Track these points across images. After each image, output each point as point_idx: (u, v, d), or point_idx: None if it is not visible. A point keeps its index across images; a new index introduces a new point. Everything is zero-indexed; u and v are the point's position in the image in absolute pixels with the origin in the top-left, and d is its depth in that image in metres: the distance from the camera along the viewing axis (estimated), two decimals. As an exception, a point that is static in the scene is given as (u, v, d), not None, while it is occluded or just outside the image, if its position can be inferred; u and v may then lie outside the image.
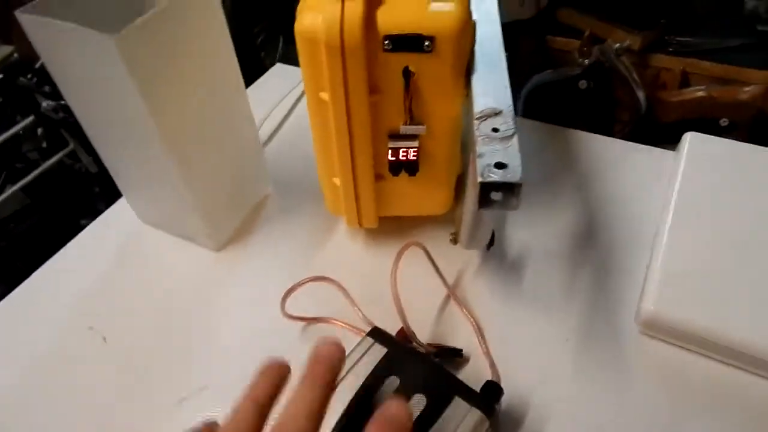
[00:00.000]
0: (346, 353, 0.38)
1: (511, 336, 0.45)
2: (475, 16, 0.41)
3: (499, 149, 0.34)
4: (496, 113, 0.37)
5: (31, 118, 1.34)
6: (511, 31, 0.46)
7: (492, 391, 0.38)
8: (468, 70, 0.41)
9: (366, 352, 0.38)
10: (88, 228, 0.59)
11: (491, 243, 0.46)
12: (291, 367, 0.30)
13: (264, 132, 0.68)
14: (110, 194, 0.59)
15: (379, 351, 0.38)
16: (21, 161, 1.42)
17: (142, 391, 0.44)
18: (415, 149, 0.44)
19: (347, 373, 0.37)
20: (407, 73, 0.40)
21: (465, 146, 0.50)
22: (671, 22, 0.74)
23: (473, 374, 0.42)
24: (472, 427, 0.33)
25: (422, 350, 0.42)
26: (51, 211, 1.49)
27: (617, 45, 0.67)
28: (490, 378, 0.40)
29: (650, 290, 0.43)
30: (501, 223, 0.54)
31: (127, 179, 0.55)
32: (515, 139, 0.35)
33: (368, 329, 0.42)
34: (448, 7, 0.38)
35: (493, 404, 0.36)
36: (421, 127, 0.43)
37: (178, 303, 0.51)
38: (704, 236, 0.47)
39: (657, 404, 0.41)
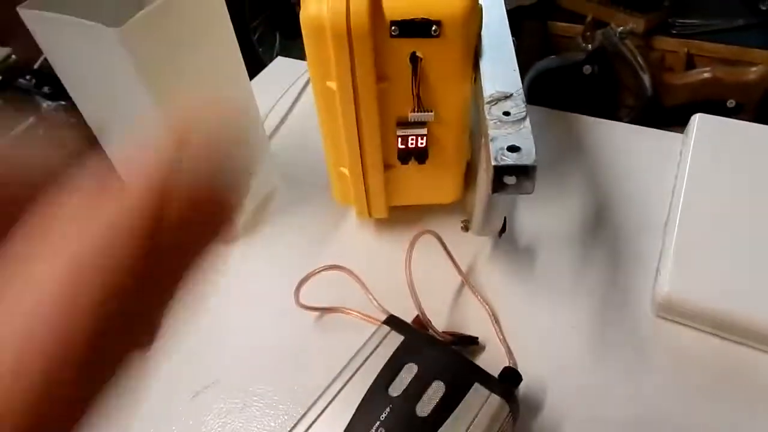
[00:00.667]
0: (363, 342, 0.38)
1: (525, 322, 0.45)
2: (480, 0, 0.41)
3: (511, 132, 0.34)
4: (506, 96, 0.37)
5: (31, 120, 1.34)
6: (513, 17, 0.46)
7: (511, 377, 0.38)
8: (476, 54, 0.41)
9: (382, 340, 0.37)
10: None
11: (503, 230, 0.46)
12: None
13: (268, 125, 0.68)
14: None
15: (395, 338, 0.37)
16: (23, 163, 1.42)
17: (154, 387, 0.44)
18: (424, 136, 0.44)
19: (364, 361, 0.36)
20: (415, 59, 0.40)
21: (473, 132, 0.49)
22: (674, 4, 0.73)
23: (490, 361, 0.41)
24: (492, 414, 0.33)
25: (438, 338, 0.41)
26: (54, 213, 1.49)
27: (621, 29, 0.66)
28: (507, 365, 0.40)
29: (665, 272, 0.43)
30: (511, 209, 0.54)
31: (133, 176, 0.54)
32: (527, 122, 0.35)
33: (384, 318, 0.42)
34: (455, -10, 0.38)
35: (512, 390, 0.36)
36: (429, 113, 0.43)
37: (187, 297, 0.50)
38: (717, 217, 0.46)
39: (675, 388, 0.40)
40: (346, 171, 0.47)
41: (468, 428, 0.33)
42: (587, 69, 0.69)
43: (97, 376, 0.15)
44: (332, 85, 0.41)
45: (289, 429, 0.34)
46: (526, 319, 0.45)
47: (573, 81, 0.70)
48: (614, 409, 0.40)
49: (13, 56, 1.35)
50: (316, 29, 0.38)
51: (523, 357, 0.42)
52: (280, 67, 0.79)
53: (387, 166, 0.47)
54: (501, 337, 0.44)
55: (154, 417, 0.42)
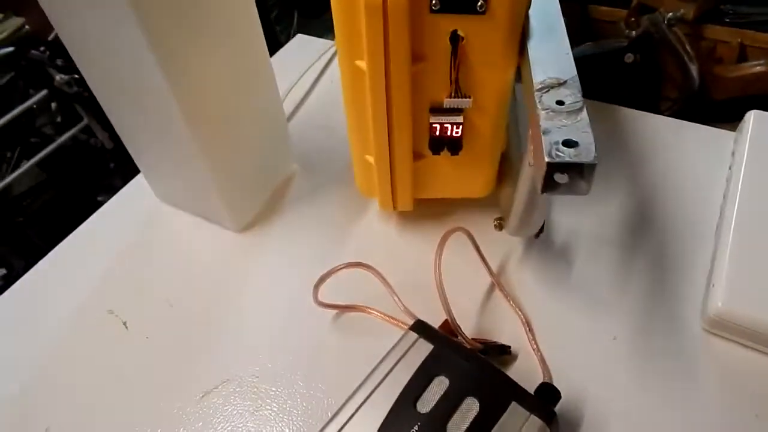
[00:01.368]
0: (386, 347, 0.35)
1: (561, 331, 0.42)
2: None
3: (566, 124, 0.30)
4: (560, 83, 0.33)
5: (44, 92, 1.32)
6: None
7: (549, 394, 0.34)
8: (522, 35, 0.37)
9: (410, 348, 0.34)
10: (104, 207, 0.56)
11: (541, 230, 0.42)
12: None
13: (287, 106, 0.64)
14: (126, 170, 0.55)
15: (424, 347, 0.34)
16: (36, 136, 1.40)
17: (164, 384, 0.41)
18: (460, 125, 0.40)
19: (390, 371, 0.33)
20: (455, 38, 0.36)
21: (509, 123, 0.45)
22: (728, -11, 0.68)
23: (523, 373, 0.38)
24: (530, 437, 0.30)
25: (468, 346, 0.38)
26: (67, 187, 1.47)
27: (669, 14, 0.61)
28: (541, 377, 0.37)
29: (719, 285, 0.39)
30: (549, 208, 0.50)
31: (144, 156, 0.51)
32: (584, 113, 0.31)
33: (407, 321, 0.39)
34: (506, -39, 0.33)
35: (552, 409, 0.32)
36: (467, 99, 0.39)
37: (199, 288, 0.48)
38: (777, 224, 0.42)
39: (725, 410, 0.37)
40: (371, 159, 0.44)
41: (504, 453, 0.29)
42: (629, 57, 0.64)
43: None
44: (362, 64, 0.37)
45: (305, 443, 0.31)
46: (561, 327, 0.42)
47: (613, 69, 0.65)
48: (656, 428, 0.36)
49: (27, 27, 1.32)
50: (346, 1, 0.34)
51: (559, 369, 0.39)
52: (300, 45, 0.75)
53: (417, 156, 0.43)
54: (535, 346, 0.40)
55: (161, 417, 0.39)
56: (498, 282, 0.44)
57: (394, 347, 0.35)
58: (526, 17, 0.37)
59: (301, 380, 0.41)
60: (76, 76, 1.33)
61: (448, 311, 0.38)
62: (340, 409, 0.32)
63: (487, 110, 0.40)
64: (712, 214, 0.48)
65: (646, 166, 0.53)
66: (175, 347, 0.44)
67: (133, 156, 0.51)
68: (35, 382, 0.42)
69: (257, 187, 0.54)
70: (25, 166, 1.29)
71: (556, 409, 0.35)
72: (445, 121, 0.40)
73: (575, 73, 0.33)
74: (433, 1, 0.33)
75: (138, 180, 0.57)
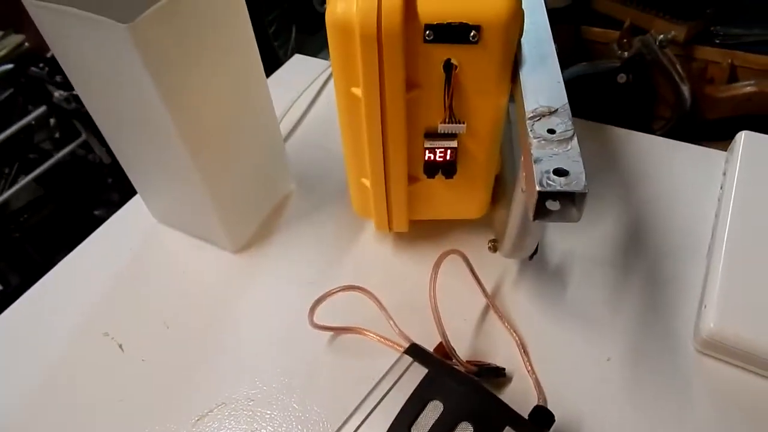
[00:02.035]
0: (381, 371, 0.35)
1: (555, 352, 0.42)
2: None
3: (557, 153, 0.31)
4: (551, 112, 0.33)
5: (43, 108, 1.32)
6: (546, 19, 0.43)
7: (543, 417, 0.34)
8: (515, 63, 0.38)
9: (405, 372, 0.34)
10: (101, 228, 0.56)
11: (535, 252, 0.42)
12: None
13: (284, 126, 0.65)
14: (124, 185, 0.56)
15: (419, 371, 0.34)
16: (34, 152, 1.40)
17: (159, 407, 0.41)
18: (454, 149, 0.41)
19: (386, 395, 0.33)
20: (449, 67, 0.36)
21: (503, 145, 0.46)
22: (718, 12, 0.69)
23: (518, 396, 0.38)
24: (524, 462, 0.30)
25: (462, 369, 0.38)
26: (64, 202, 1.47)
27: (661, 36, 0.62)
28: (536, 400, 0.37)
29: (711, 306, 0.39)
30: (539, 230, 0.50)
31: (141, 176, 0.52)
32: (575, 142, 0.31)
33: (402, 342, 0.39)
34: (497, -7, 0.34)
35: (545, 434, 0.33)
36: (461, 125, 0.39)
37: (195, 309, 0.48)
38: (766, 246, 0.43)
39: (718, 431, 0.37)
40: (367, 183, 0.44)
41: (498, 479, 0.29)
42: (622, 77, 0.65)
43: None
44: (357, 91, 0.38)
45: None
46: (556, 348, 0.42)
47: (606, 89, 0.66)
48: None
49: (26, 44, 1.33)
50: (343, 29, 0.35)
51: (554, 392, 0.39)
52: (298, 65, 0.76)
53: (411, 179, 0.43)
54: (529, 368, 0.40)
55: (155, 440, 0.39)
56: (492, 303, 0.44)
57: (389, 371, 0.35)
58: (519, 45, 0.38)
59: (297, 403, 0.41)
60: (75, 92, 1.35)
61: (443, 334, 0.38)
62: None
63: (481, 135, 0.40)
64: (704, 234, 0.48)
65: (638, 185, 0.54)
66: (171, 370, 0.44)
67: (130, 177, 0.52)
68: (29, 404, 0.42)
69: (255, 208, 0.54)
70: (23, 181, 1.30)
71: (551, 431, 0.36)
72: (440, 146, 0.41)
73: (566, 101, 0.34)
74: (427, 32, 0.34)
75: (135, 200, 0.57)
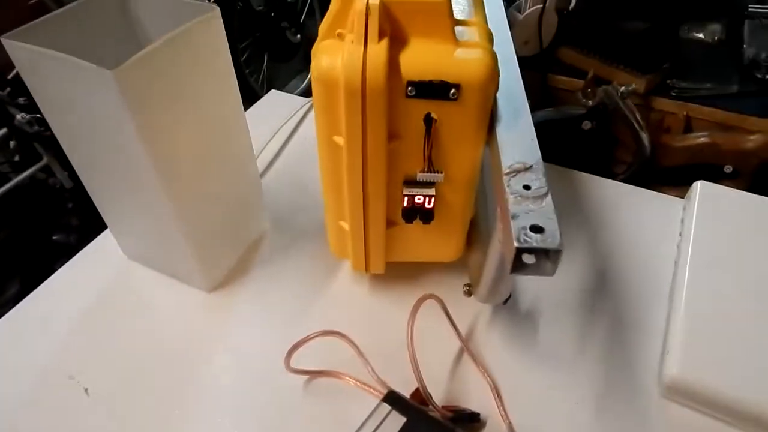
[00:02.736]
0: (359, 417, 0.36)
1: (528, 396, 0.43)
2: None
3: (533, 209, 0.32)
4: (526, 168, 0.35)
5: (3, 131, 1.28)
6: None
7: (516, 465, 0.35)
8: (492, 116, 0.40)
9: (383, 420, 0.35)
10: (68, 263, 0.54)
11: (508, 297, 0.44)
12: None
13: (260, 162, 0.65)
14: (84, 210, 0.55)
15: (397, 420, 0.35)
16: (-10, 175, 1.35)
17: (127, 454, 0.40)
18: (432, 197, 0.42)
19: (362, 445, 0.34)
20: (429, 120, 0.38)
21: (477, 191, 0.48)
22: (673, 67, 0.74)
23: (493, 442, 0.39)
24: None
25: (438, 415, 0.39)
26: (22, 226, 1.41)
27: (623, 88, 0.66)
28: (510, 447, 0.38)
29: (673, 353, 0.41)
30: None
31: (114, 212, 0.51)
32: (549, 199, 0.33)
33: (379, 387, 0.39)
34: (476, 53, 0.36)
35: (520, 483, 0.33)
36: (439, 174, 0.41)
37: (166, 351, 0.47)
38: (725, 292, 0.45)
39: (683, 475, 0.39)
40: (345, 225, 0.45)
41: None
42: (586, 124, 0.69)
43: None
44: (340, 140, 0.39)
45: None
46: (528, 391, 0.43)
47: (571, 135, 0.69)
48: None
49: (-11, 65, 1.29)
50: (327, 83, 0.36)
51: (526, 436, 0.40)
52: (274, 100, 0.76)
53: (390, 223, 0.44)
54: (503, 413, 0.41)
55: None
56: (467, 347, 0.45)
57: (368, 419, 0.35)
58: (495, 100, 0.40)
59: None
60: (38, 115, 1.31)
61: (420, 381, 0.38)
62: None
63: (458, 183, 0.42)
64: (665, 278, 0.51)
65: (602, 229, 0.56)
66: (140, 416, 0.42)
67: (101, 212, 0.51)
68: (-12, 455, 0.40)
69: (230, 246, 0.54)
70: (-22, 205, 1.24)
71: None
72: (418, 194, 0.42)
73: (539, 157, 0.36)
74: (409, 88, 0.36)
75: (104, 235, 0.56)
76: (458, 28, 0.37)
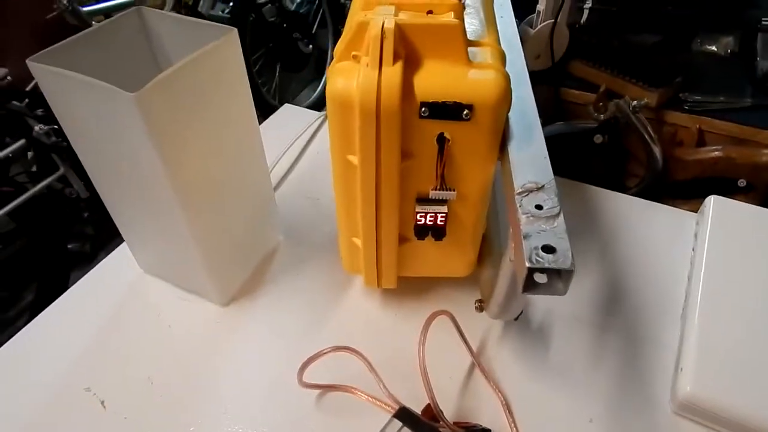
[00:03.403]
0: (371, 429, 0.36)
1: (540, 412, 0.43)
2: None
3: (545, 229, 0.33)
4: (539, 188, 0.35)
5: (21, 142, 1.31)
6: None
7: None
8: (504, 136, 0.40)
9: (394, 439, 0.35)
10: (85, 277, 0.55)
11: (520, 314, 0.44)
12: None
13: (274, 177, 0.66)
14: (99, 220, 0.56)
15: (408, 438, 0.35)
16: (9, 185, 1.38)
17: (143, 467, 0.41)
18: (444, 214, 0.42)
19: (375, 463, 0.34)
20: (442, 140, 0.38)
21: (489, 207, 0.48)
22: (686, 80, 0.74)
23: (504, 459, 0.39)
24: None
25: (449, 431, 0.39)
26: (38, 235, 1.44)
27: (635, 102, 0.66)
28: (522, 465, 0.38)
29: (687, 370, 0.41)
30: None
31: (130, 227, 0.52)
32: (561, 219, 0.33)
33: (391, 403, 0.40)
34: (488, 75, 0.37)
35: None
36: (451, 192, 0.41)
37: (181, 364, 0.47)
38: (739, 308, 0.45)
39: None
40: (358, 242, 0.45)
41: None
42: (598, 138, 0.69)
43: None
44: (354, 159, 0.39)
45: None
46: (540, 408, 0.43)
47: (583, 148, 0.69)
48: None
49: (9, 78, 1.32)
50: (343, 104, 0.37)
51: (539, 454, 0.40)
52: (286, 114, 0.77)
53: (402, 239, 0.45)
54: (514, 429, 0.41)
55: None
56: (478, 362, 0.45)
57: (379, 436, 0.35)
58: (507, 119, 0.40)
59: None
60: (56, 126, 1.33)
61: (431, 397, 0.39)
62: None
63: (470, 201, 0.42)
64: (678, 294, 0.51)
65: (615, 244, 0.56)
66: (155, 429, 0.43)
67: (119, 227, 0.52)
68: (7, 466, 0.41)
69: (244, 260, 0.54)
70: (-3, 215, 1.27)
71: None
72: (431, 211, 0.42)
73: (552, 176, 0.36)
74: (423, 109, 0.36)
75: (121, 249, 0.57)
76: (471, 49, 0.38)
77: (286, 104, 0.79)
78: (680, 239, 0.56)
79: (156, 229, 0.48)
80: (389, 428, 0.36)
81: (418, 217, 0.43)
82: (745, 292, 0.47)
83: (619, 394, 0.44)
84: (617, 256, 0.55)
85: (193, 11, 1.69)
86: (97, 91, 0.36)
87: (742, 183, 0.65)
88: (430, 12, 0.37)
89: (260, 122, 0.60)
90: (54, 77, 0.38)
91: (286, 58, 2.04)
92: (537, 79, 0.68)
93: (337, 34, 2.00)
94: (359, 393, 0.43)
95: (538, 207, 0.34)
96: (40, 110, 1.32)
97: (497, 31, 0.44)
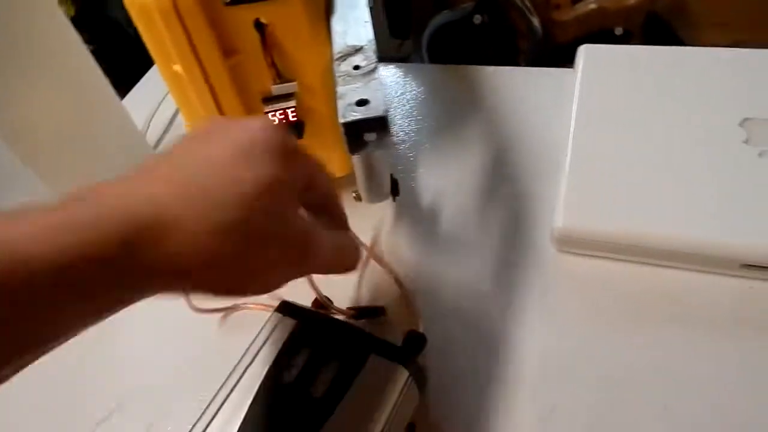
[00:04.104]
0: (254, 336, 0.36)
1: (433, 283, 0.44)
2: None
3: (360, 86, 0.32)
4: (357, 50, 0.34)
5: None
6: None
7: (414, 341, 0.36)
8: (327, 12, 0.39)
9: (275, 328, 0.35)
10: None
11: (396, 192, 0.44)
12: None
13: (152, 136, 0.63)
14: None
15: (288, 325, 0.35)
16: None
17: (52, 416, 0.41)
18: (293, 108, 0.41)
19: (257, 352, 0.34)
20: (260, 26, 0.37)
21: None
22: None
23: (398, 330, 0.40)
24: (389, 382, 0.32)
25: (341, 316, 0.39)
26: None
27: (503, -27, 0.65)
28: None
29: (559, 207, 0.42)
30: (412, 173, 0.52)
31: None
32: (378, 73, 0.33)
33: (275, 302, 0.40)
34: (285, -56, 0.35)
35: (412, 355, 0.34)
36: (292, 83, 0.40)
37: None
38: (608, 145, 0.46)
39: (583, 317, 0.40)
40: (223, 159, 0.44)
41: (365, 401, 0.31)
42: (477, 18, 0.67)
43: None
44: (178, 68, 0.38)
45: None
46: (433, 278, 0.44)
47: (466, 33, 0.68)
48: (527, 352, 0.39)
49: None
50: (141, 10, 0.35)
51: (433, 319, 0.41)
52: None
53: (265, 147, 0.44)
54: (407, 302, 0.42)
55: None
56: (369, 251, 0.46)
57: (260, 331, 0.35)
58: (328, -5, 0.39)
59: (193, 392, 0.40)
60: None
61: (314, 286, 0.39)
62: (213, 398, 0.33)
63: (316, 89, 0.41)
64: (563, 149, 0.51)
65: (502, 116, 0.56)
66: (59, 373, 0.43)
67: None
68: None
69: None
70: None
71: (430, 356, 0.37)
72: (279, 108, 0.41)
73: (372, 38, 0.35)
74: (223, -5, 0.35)
75: None
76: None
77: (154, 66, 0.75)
78: (563, 97, 0.56)
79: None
80: (270, 322, 0.36)
81: (270, 117, 0.42)
82: (618, 127, 0.47)
83: (507, 249, 0.45)
84: (502, 126, 0.55)
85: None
86: None
87: (618, 31, 0.65)
88: None
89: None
90: None
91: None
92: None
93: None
94: (253, 306, 0.43)
95: (356, 68, 0.33)
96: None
97: None
